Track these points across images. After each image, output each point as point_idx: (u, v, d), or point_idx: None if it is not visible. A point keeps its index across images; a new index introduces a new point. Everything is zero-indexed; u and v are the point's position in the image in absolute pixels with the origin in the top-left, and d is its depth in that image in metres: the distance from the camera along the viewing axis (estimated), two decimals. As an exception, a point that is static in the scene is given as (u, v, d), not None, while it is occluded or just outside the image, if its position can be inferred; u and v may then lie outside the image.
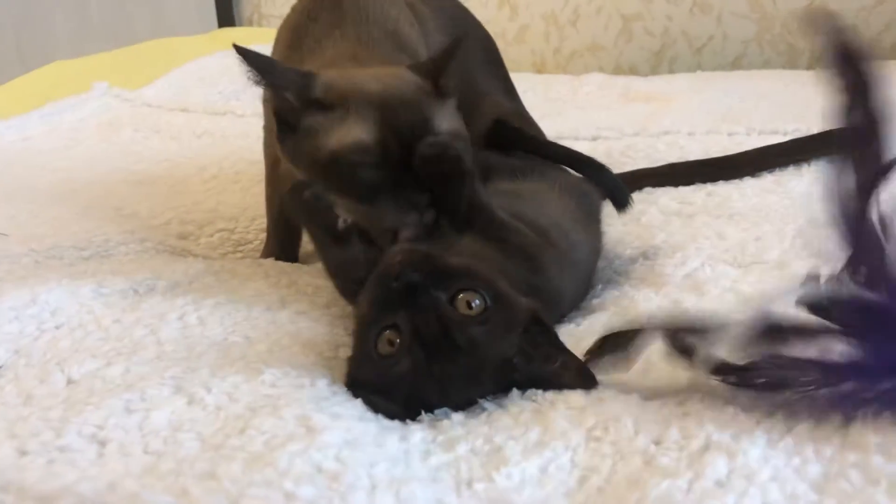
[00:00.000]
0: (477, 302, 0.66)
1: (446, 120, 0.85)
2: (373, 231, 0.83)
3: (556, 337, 0.69)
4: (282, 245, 1.11)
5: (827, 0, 2.43)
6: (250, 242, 1.22)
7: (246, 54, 0.81)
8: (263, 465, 0.53)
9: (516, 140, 1.09)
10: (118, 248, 1.16)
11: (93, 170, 1.60)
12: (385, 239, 0.82)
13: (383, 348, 0.66)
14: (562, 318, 0.84)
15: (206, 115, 1.96)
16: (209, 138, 1.82)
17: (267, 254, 1.12)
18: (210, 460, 0.54)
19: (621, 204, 1.02)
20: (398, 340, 0.66)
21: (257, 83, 0.82)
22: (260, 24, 3.16)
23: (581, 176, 1.05)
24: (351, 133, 0.81)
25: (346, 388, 0.68)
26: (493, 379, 0.67)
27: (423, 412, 0.65)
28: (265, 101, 1.10)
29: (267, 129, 1.13)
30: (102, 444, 0.59)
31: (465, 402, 0.67)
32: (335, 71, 0.88)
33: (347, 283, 0.80)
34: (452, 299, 0.66)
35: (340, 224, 0.92)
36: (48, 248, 1.12)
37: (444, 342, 0.65)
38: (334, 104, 0.82)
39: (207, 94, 2.14)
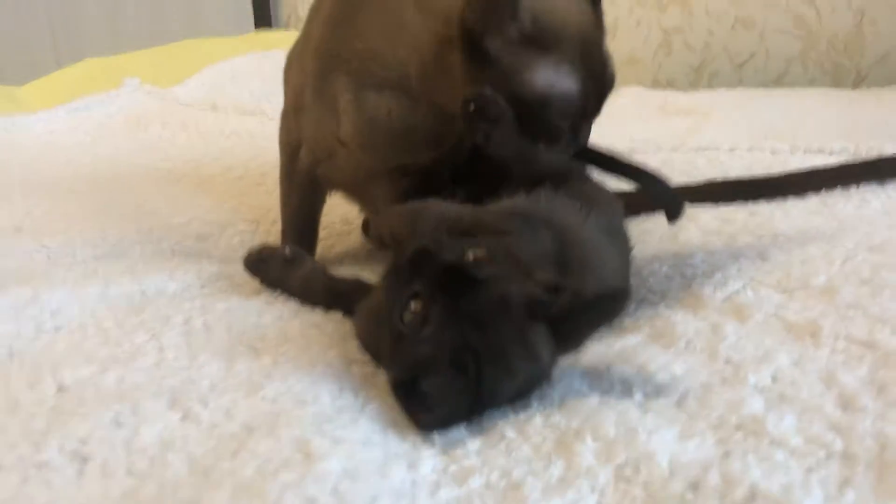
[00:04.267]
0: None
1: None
2: (511, 156, 0.83)
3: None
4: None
5: (876, 18, 2.36)
6: (271, 246, 1.17)
7: None
8: (251, 497, 0.47)
9: None
10: (133, 247, 1.12)
11: (117, 166, 1.58)
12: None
13: (408, 317, 0.62)
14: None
15: (235, 115, 1.93)
16: (237, 138, 1.79)
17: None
18: (195, 487, 0.49)
19: (674, 213, 0.92)
20: (422, 303, 0.62)
21: None
22: (297, 27, 3.14)
23: (596, 184, 0.98)
24: (560, 81, 0.82)
25: (392, 389, 0.62)
26: (524, 320, 0.62)
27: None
28: (286, 83, 1.04)
29: (286, 114, 1.07)
30: (84, 460, 0.54)
31: (502, 354, 0.61)
32: None
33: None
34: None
35: (287, 252, 0.91)
36: (60, 245, 1.09)
37: (465, 282, 0.62)
38: (545, 44, 0.81)
39: (239, 93, 2.12)
